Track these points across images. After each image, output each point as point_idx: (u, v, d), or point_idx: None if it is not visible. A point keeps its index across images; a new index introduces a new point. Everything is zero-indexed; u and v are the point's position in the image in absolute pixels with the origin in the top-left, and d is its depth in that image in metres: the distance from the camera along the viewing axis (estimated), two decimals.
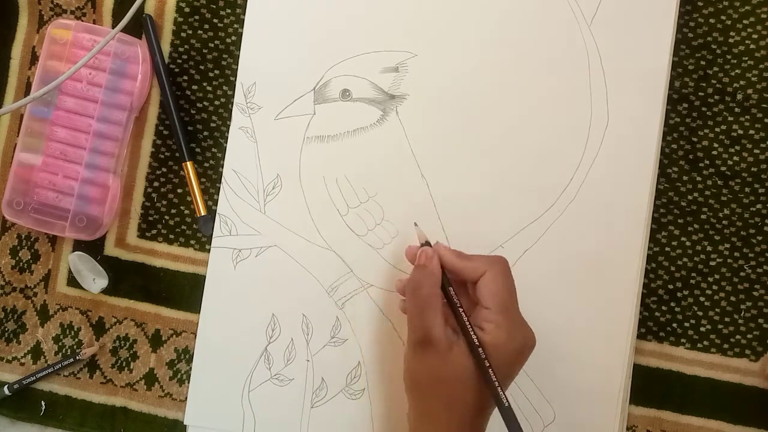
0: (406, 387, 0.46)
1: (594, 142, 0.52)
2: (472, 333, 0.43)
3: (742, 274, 0.53)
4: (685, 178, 0.53)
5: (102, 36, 0.53)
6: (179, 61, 0.55)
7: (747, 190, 0.53)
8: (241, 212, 0.54)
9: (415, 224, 0.49)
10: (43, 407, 0.55)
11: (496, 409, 0.43)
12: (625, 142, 0.52)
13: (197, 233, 0.54)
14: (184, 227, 0.55)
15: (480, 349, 0.42)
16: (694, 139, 0.53)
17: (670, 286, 0.53)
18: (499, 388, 0.42)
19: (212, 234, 0.54)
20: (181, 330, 0.54)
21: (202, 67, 0.55)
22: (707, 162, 0.53)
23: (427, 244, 0.47)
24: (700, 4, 0.53)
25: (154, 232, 0.55)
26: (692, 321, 0.53)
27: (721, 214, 0.53)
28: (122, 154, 0.54)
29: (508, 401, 0.42)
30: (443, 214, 0.53)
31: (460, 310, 0.44)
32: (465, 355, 0.43)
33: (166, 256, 0.55)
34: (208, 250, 0.54)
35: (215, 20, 0.55)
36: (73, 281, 0.55)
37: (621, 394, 0.51)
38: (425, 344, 0.43)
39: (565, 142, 0.52)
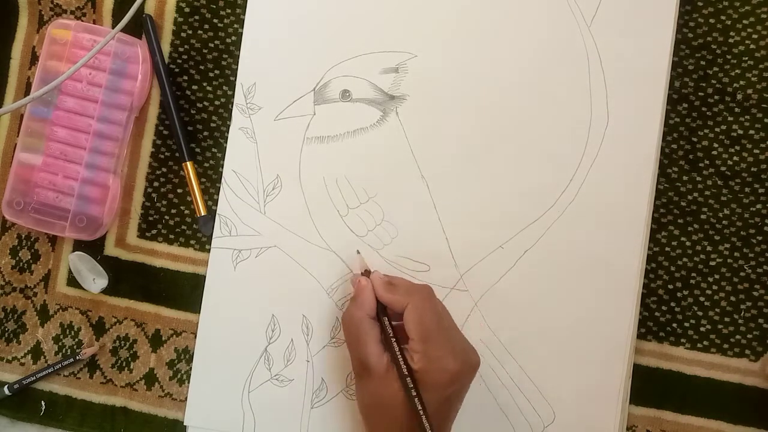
0: (360, 412, 0.48)
1: (594, 142, 0.52)
2: (400, 360, 0.45)
3: (742, 274, 0.53)
4: (685, 178, 0.53)
5: (102, 36, 0.53)
6: (179, 61, 0.55)
7: (747, 190, 0.53)
8: (241, 213, 0.54)
9: (357, 252, 0.51)
10: (43, 407, 0.55)
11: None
12: (625, 142, 0.52)
13: (197, 233, 0.54)
14: (184, 227, 0.55)
15: (407, 377, 0.44)
16: (694, 139, 0.53)
17: (670, 286, 0.53)
18: (423, 414, 0.43)
19: (212, 234, 0.54)
20: (181, 330, 0.54)
21: (202, 67, 0.55)
22: (707, 162, 0.53)
23: (367, 273, 0.49)
24: (700, 4, 0.53)
25: (154, 232, 0.55)
26: (692, 321, 0.53)
27: (721, 214, 0.53)
28: (122, 154, 0.54)
29: (431, 428, 0.43)
30: (443, 214, 0.53)
31: (392, 339, 0.46)
32: (398, 381, 0.45)
33: (166, 256, 0.55)
34: (208, 250, 0.54)
35: (215, 20, 0.55)
36: (73, 281, 0.55)
37: (621, 394, 0.51)
38: (363, 371, 0.46)
39: (565, 142, 0.52)
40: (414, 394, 0.43)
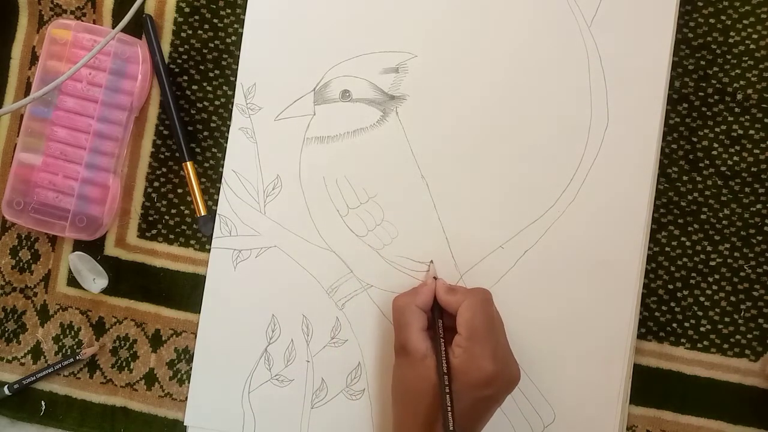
0: (391, 393, 0.50)
1: (594, 142, 0.52)
2: (442, 350, 0.46)
3: (742, 274, 0.53)
4: (685, 178, 0.53)
5: (102, 36, 0.53)
6: (179, 61, 0.55)
7: (747, 190, 0.53)
8: (241, 213, 0.54)
9: (431, 262, 0.52)
10: (43, 407, 0.55)
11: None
12: (625, 142, 0.52)
13: (197, 233, 0.54)
14: (184, 227, 0.55)
15: (445, 370, 0.45)
16: (694, 139, 0.53)
17: (670, 286, 0.53)
18: (449, 409, 0.43)
19: (212, 234, 0.54)
20: (181, 330, 0.54)
21: (202, 67, 0.55)
22: (707, 162, 0.53)
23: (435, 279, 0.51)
24: (700, 4, 0.53)
25: (154, 232, 0.55)
26: (692, 321, 0.53)
27: (721, 214, 0.53)
28: (122, 154, 0.54)
29: (453, 426, 0.43)
30: (443, 214, 0.53)
31: (440, 331, 0.47)
32: (434, 369, 0.46)
33: (166, 256, 0.55)
34: (208, 250, 0.54)
35: (215, 20, 0.55)
36: (73, 281, 0.55)
37: (621, 394, 0.51)
38: (402, 351, 0.47)
39: (565, 142, 0.52)
40: (446, 385, 0.44)
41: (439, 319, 0.48)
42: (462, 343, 0.45)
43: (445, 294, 0.48)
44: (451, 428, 0.43)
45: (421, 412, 0.45)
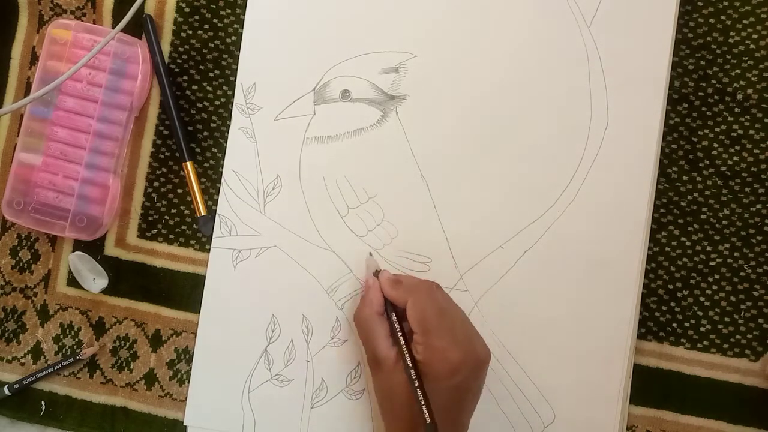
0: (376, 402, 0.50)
1: (594, 142, 0.52)
2: (405, 352, 0.46)
3: (742, 274, 0.53)
4: (685, 178, 0.53)
5: (102, 36, 0.53)
6: (179, 61, 0.55)
7: (747, 190, 0.53)
8: (241, 213, 0.54)
9: (369, 254, 0.52)
10: (43, 407, 0.55)
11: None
12: (625, 142, 0.52)
13: (197, 233, 0.54)
14: (184, 227, 0.55)
15: (411, 368, 0.45)
16: (694, 139, 0.53)
17: (670, 286, 0.53)
18: (423, 403, 0.44)
19: (212, 234, 0.54)
20: (181, 330, 0.54)
21: (202, 67, 0.55)
22: (707, 162, 0.53)
23: (378, 273, 0.51)
24: (700, 4, 0.53)
25: (154, 232, 0.55)
26: (692, 321, 0.53)
27: (721, 214, 0.53)
28: (122, 154, 0.54)
29: (432, 418, 0.44)
30: (443, 214, 0.53)
31: (397, 333, 0.47)
32: (406, 372, 0.46)
33: (166, 256, 0.55)
34: (208, 250, 0.54)
35: (215, 20, 0.55)
36: (73, 281, 0.55)
37: (621, 394, 0.51)
38: (374, 364, 0.48)
39: (565, 142, 0.52)
40: (416, 383, 0.44)
41: (392, 312, 0.48)
42: (420, 340, 0.46)
43: (390, 289, 0.49)
44: (428, 421, 0.43)
45: (405, 417, 0.46)
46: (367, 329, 0.49)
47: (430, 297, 0.48)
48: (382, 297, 0.49)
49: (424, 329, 0.46)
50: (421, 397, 0.44)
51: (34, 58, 0.55)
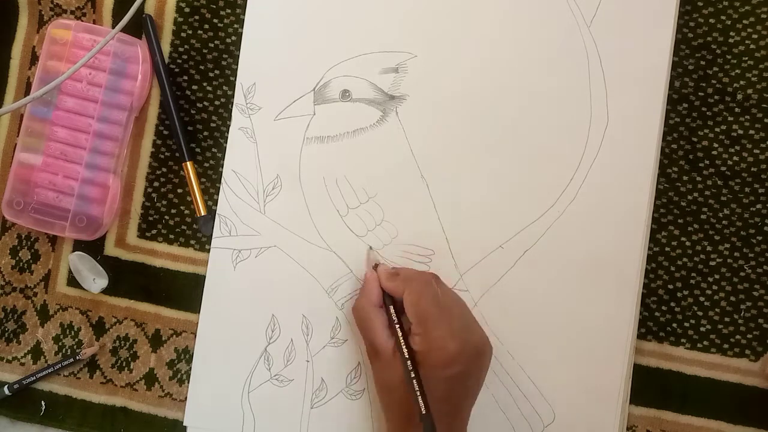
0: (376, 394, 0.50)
1: (594, 142, 0.52)
2: (402, 342, 0.47)
3: (742, 274, 0.53)
4: (685, 178, 0.53)
5: (102, 36, 0.53)
6: (179, 61, 0.55)
7: (747, 190, 0.53)
8: (241, 212, 0.54)
9: (370, 248, 0.52)
10: (43, 407, 0.55)
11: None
12: (625, 142, 0.52)
13: (197, 233, 0.54)
14: (184, 227, 0.55)
15: (407, 359, 0.46)
16: (694, 139, 0.53)
17: (670, 286, 0.53)
18: (418, 392, 0.44)
19: (212, 234, 0.54)
20: (181, 330, 0.54)
21: (202, 67, 0.55)
22: (707, 162, 0.53)
23: (377, 266, 0.51)
24: (700, 4, 0.53)
25: (154, 232, 0.55)
26: (692, 321, 0.53)
27: (721, 214, 0.53)
28: (122, 154, 0.54)
29: (427, 409, 0.44)
30: (443, 214, 0.53)
31: (395, 324, 0.48)
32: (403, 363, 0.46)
33: (166, 256, 0.55)
34: (208, 250, 0.54)
35: (215, 20, 0.55)
36: (73, 281, 0.55)
37: (621, 394, 0.51)
38: (373, 354, 0.49)
39: (565, 142, 0.52)
40: (412, 374, 0.45)
41: (390, 305, 0.49)
42: (417, 330, 0.46)
43: (387, 281, 0.49)
44: (423, 412, 0.43)
45: (403, 407, 0.46)
46: (366, 320, 0.49)
47: (426, 287, 0.48)
48: (381, 289, 0.50)
49: (421, 319, 0.46)
50: (416, 388, 0.44)
51: (34, 58, 0.55)
